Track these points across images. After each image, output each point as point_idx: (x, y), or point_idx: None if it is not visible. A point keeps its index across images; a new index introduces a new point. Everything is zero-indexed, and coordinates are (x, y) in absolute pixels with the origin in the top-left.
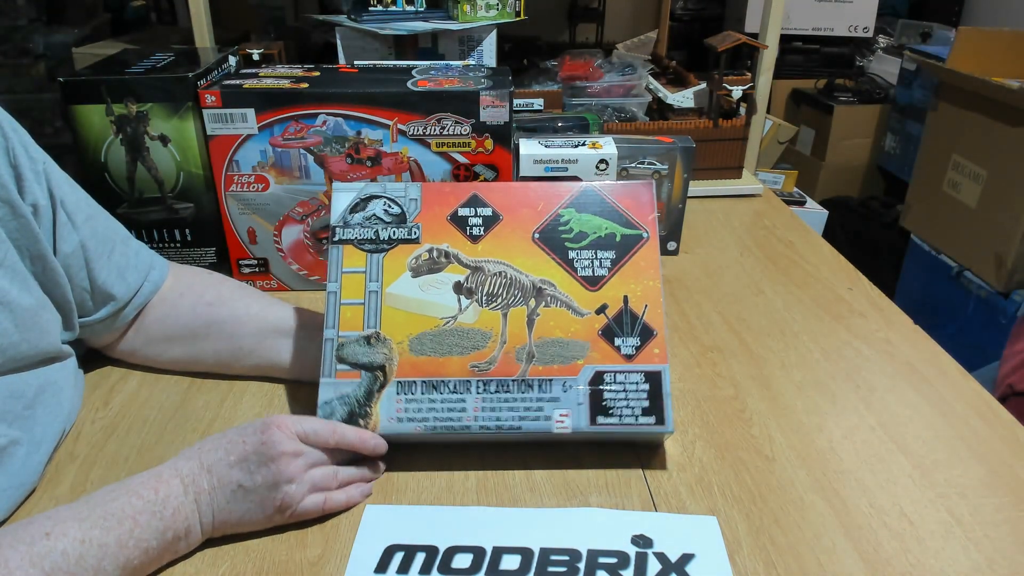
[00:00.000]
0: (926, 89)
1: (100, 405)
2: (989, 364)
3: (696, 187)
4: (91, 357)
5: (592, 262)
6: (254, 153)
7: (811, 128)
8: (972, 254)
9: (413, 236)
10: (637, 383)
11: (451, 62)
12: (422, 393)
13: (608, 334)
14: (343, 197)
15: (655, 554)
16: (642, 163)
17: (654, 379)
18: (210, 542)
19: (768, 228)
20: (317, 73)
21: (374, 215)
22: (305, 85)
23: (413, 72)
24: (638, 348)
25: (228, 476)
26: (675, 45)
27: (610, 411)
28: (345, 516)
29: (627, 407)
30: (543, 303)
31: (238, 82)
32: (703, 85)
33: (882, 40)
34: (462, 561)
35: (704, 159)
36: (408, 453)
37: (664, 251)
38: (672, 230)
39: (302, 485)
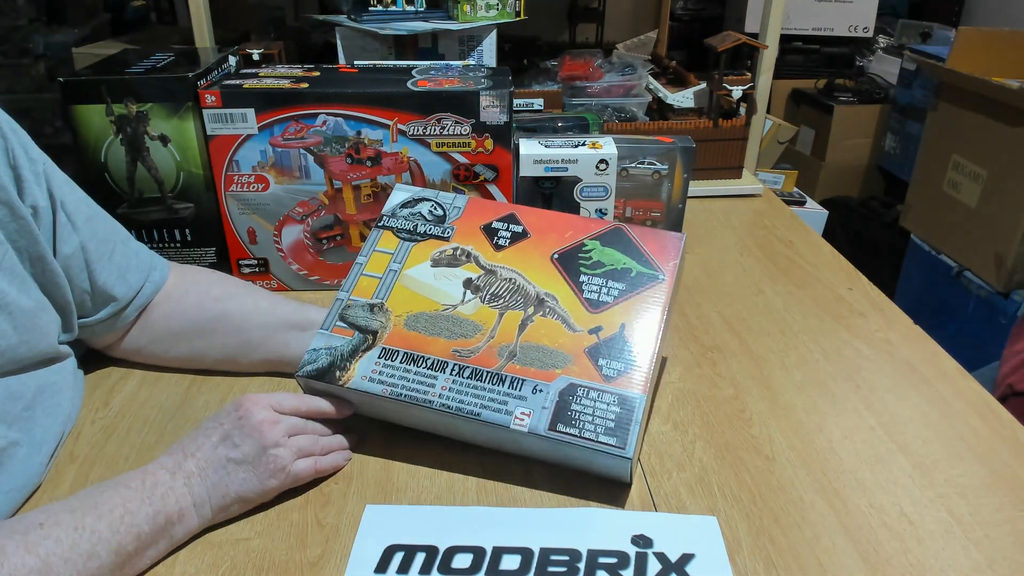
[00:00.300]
0: (926, 89)
1: (100, 405)
2: (989, 364)
3: (696, 187)
4: (91, 357)
5: (600, 288)
6: (254, 153)
7: (811, 128)
8: (972, 254)
9: (445, 235)
10: (608, 404)
11: (451, 62)
12: (400, 362)
13: (594, 353)
14: (400, 194)
15: (655, 554)
16: (642, 163)
17: (626, 404)
18: (210, 543)
19: (768, 228)
20: (317, 73)
21: (419, 213)
22: (305, 85)
23: (413, 72)
24: (620, 372)
25: (215, 455)
26: (675, 45)
27: (572, 422)
28: (345, 516)
29: (591, 423)
30: (541, 313)
31: (238, 82)
32: (703, 85)
33: (882, 40)
34: (462, 561)
35: (704, 159)
36: (408, 453)
37: None
38: (672, 230)
39: (289, 449)
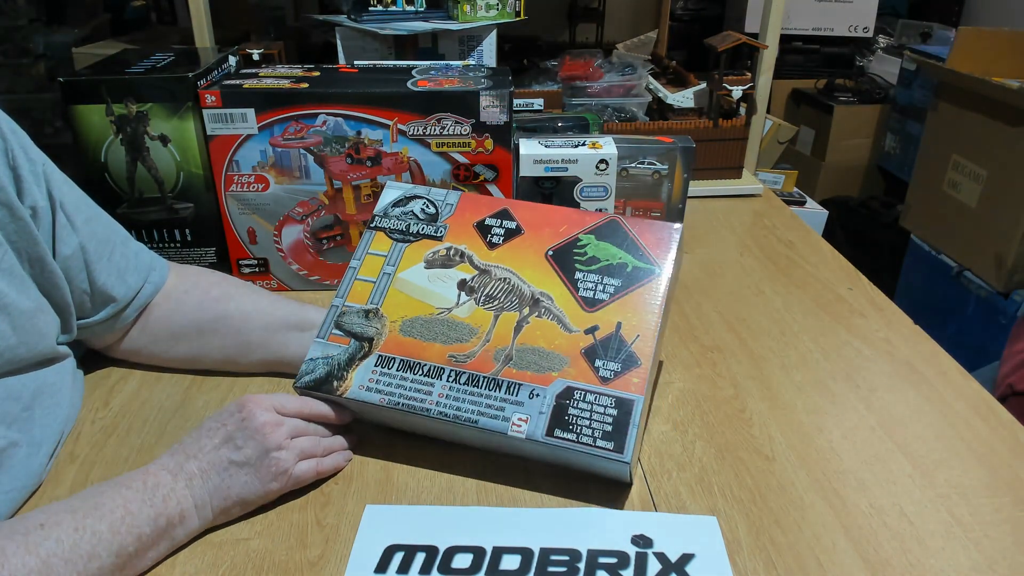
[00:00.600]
0: (926, 89)
1: (100, 405)
2: (989, 364)
3: (696, 187)
4: (91, 357)
5: (596, 285)
6: (254, 153)
7: (811, 128)
8: (972, 254)
9: (438, 234)
10: (606, 407)
11: (451, 62)
12: (397, 370)
13: (591, 354)
14: (391, 192)
15: (655, 554)
16: (642, 163)
17: (624, 406)
18: (210, 543)
19: (768, 228)
20: (317, 73)
21: (411, 211)
22: (305, 85)
23: (413, 72)
24: (617, 373)
25: (217, 456)
26: (675, 45)
27: (570, 427)
28: (345, 516)
29: (588, 427)
30: (536, 313)
31: (238, 82)
32: (703, 85)
33: (882, 40)
34: (462, 561)
35: (704, 159)
36: (408, 454)
37: None
38: None
39: (291, 451)
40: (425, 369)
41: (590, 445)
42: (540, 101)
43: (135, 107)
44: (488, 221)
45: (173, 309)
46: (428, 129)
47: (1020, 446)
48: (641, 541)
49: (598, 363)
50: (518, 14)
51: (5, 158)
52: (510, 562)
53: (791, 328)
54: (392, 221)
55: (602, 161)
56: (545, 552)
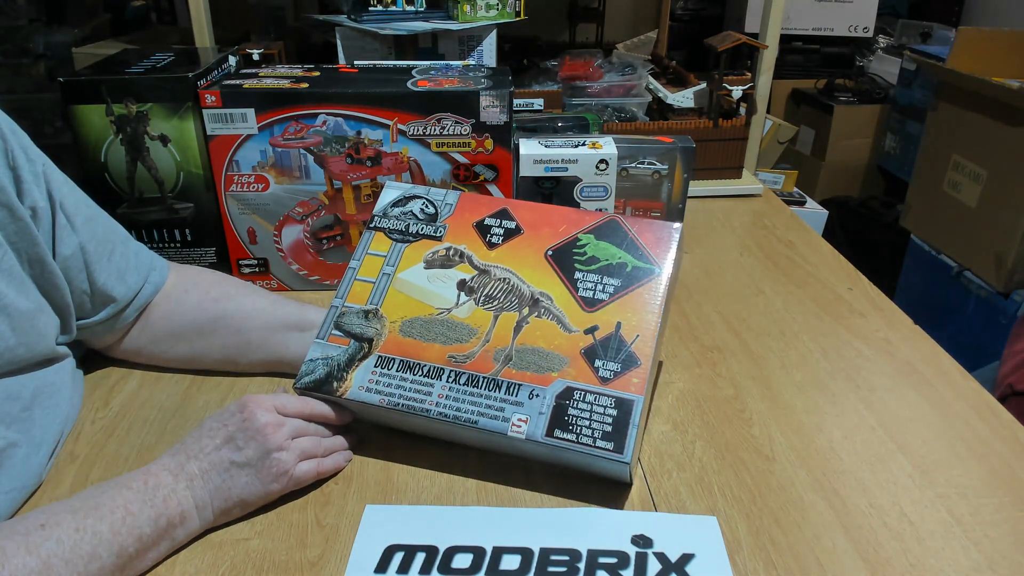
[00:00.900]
0: (926, 89)
1: (100, 405)
2: (989, 364)
3: (696, 187)
4: (91, 357)
5: (596, 285)
6: (254, 153)
7: (811, 128)
8: (972, 254)
9: (438, 234)
10: (605, 407)
11: (451, 62)
12: (397, 371)
13: (590, 354)
14: (391, 192)
15: (655, 554)
16: (642, 163)
17: (624, 407)
18: (210, 543)
19: (768, 228)
20: (317, 73)
21: (411, 211)
22: (305, 85)
23: (413, 72)
24: (616, 373)
25: (218, 457)
26: (675, 45)
27: (569, 427)
28: (345, 516)
29: (588, 428)
30: (536, 313)
31: (238, 82)
32: (703, 85)
33: (882, 40)
34: (462, 561)
35: (704, 159)
36: (408, 453)
37: None
38: None
39: (292, 452)
40: (425, 370)
41: (590, 445)
42: (540, 101)
43: (135, 107)
44: (487, 221)
45: (173, 309)
46: (428, 129)
47: (1020, 446)
48: (641, 541)
49: (598, 363)
50: (518, 14)
51: (5, 158)
52: (510, 562)
53: (791, 328)
54: (391, 221)
55: (602, 161)
56: (545, 552)
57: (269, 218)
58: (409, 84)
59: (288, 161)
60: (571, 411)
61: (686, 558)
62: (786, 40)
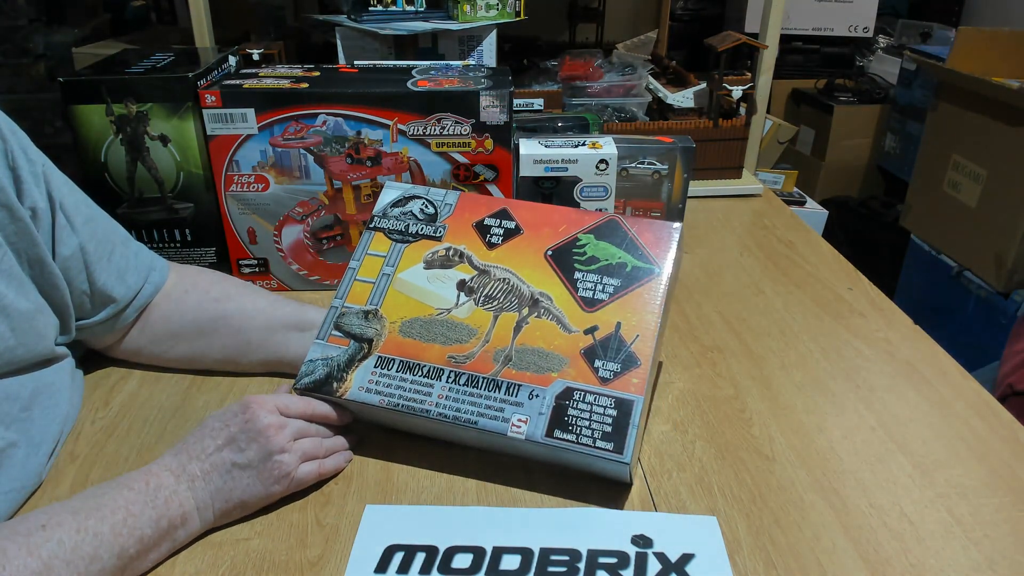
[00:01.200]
0: (926, 89)
1: (100, 405)
2: (989, 364)
3: (696, 187)
4: (91, 357)
5: (596, 285)
6: (254, 153)
7: (811, 128)
8: (972, 254)
9: (437, 234)
10: (605, 407)
11: (451, 62)
12: (397, 371)
13: (590, 355)
14: (390, 193)
15: (655, 554)
16: (642, 163)
17: (624, 407)
18: (210, 543)
19: (768, 228)
20: (317, 73)
21: (410, 211)
22: (305, 85)
23: (413, 72)
24: (616, 374)
25: (219, 458)
26: (675, 45)
27: (569, 428)
28: (345, 516)
29: (588, 428)
30: (535, 314)
31: (238, 82)
32: (703, 85)
33: (882, 40)
34: (462, 561)
35: (704, 159)
36: (408, 453)
37: None
38: None
39: (294, 454)
40: (425, 370)
41: (590, 446)
42: (540, 101)
43: (135, 107)
44: (487, 221)
45: (173, 309)
46: (428, 129)
47: (1020, 446)
48: (641, 541)
49: (597, 363)
50: (518, 14)
51: (5, 159)
52: (510, 562)
53: (791, 328)
54: (391, 221)
55: (602, 161)
56: (545, 552)
57: (269, 218)
58: (409, 84)
59: (288, 161)
60: (571, 411)
61: (686, 558)
62: (786, 40)
